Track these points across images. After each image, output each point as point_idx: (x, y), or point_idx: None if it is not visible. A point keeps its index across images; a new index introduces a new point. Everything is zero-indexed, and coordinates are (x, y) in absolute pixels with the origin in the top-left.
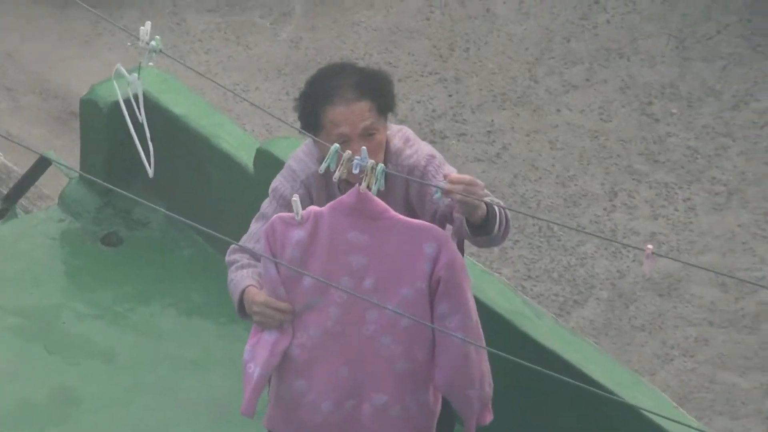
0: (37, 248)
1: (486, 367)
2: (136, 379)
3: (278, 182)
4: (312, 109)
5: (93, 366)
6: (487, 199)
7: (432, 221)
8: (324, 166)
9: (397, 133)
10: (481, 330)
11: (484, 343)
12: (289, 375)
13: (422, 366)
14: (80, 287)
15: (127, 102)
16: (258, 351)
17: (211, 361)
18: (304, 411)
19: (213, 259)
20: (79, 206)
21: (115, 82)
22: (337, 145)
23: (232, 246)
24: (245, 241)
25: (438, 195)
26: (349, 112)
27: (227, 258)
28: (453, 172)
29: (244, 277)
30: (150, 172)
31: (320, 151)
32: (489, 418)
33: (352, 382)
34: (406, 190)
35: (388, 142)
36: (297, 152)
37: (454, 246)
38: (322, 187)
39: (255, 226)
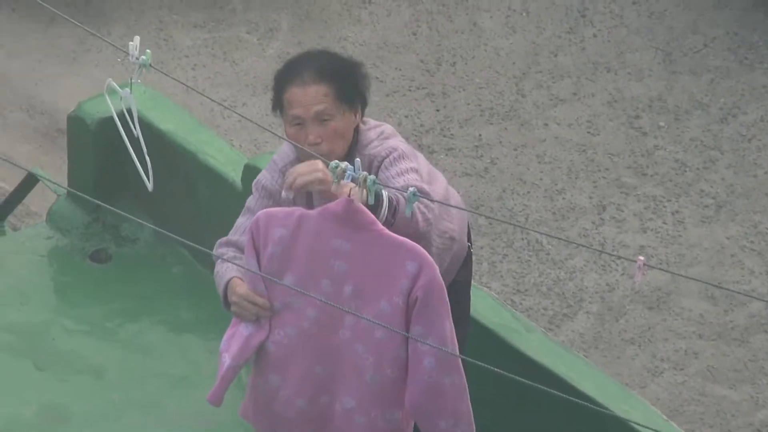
0: (25, 265)
1: (465, 407)
2: (125, 395)
3: (261, 175)
4: (277, 88)
5: (82, 382)
6: (346, 187)
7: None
8: (335, 186)
9: (375, 127)
10: (459, 363)
11: (462, 377)
12: (265, 369)
13: (392, 383)
14: (69, 304)
15: (119, 117)
16: (233, 343)
17: (200, 377)
18: (279, 404)
19: (201, 275)
20: (67, 223)
21: (107, 96)
22: (337, 162)
23: (219, 240)
24: (232, 234)
25: (284, 194)
26: (304, 95)
27: (215, 252)
28: (409, 168)
29: (229, 269)
30: (149, 186)
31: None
32: None
33: (326, 379)
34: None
35: (360, 134)
36: (282, 146)
37: (436, 269)
38: None
39: (240, 220)
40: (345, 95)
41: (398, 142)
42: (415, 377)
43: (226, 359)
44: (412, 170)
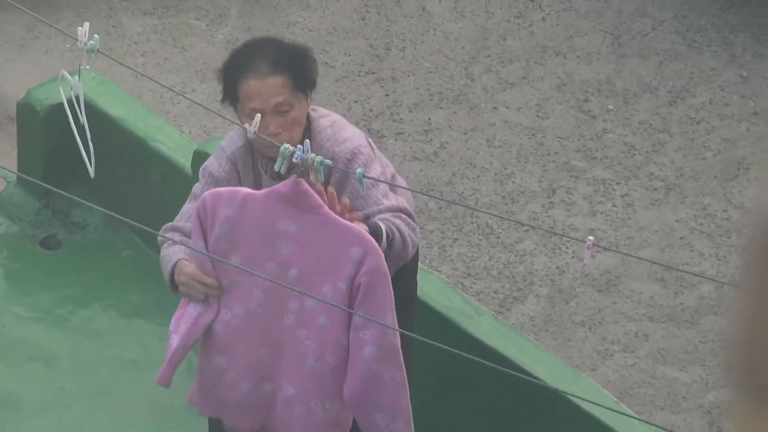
0: None
1: (405, 403)
2: (77, 381)
3: (208, 162)
4: (230, 80)
5: (33, 369)
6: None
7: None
8: (277, 165)
9: (326, 116)
10: (400, 356)
11: (403, 371)
12: (211, 350)
13: (332, 372)
14: (19, 291)
15: (69, 104)
16: (181, 323)
17: (150, 361)
18: (223, 388)
19: (151, 260)
20: (17, 209)
21: (60, 87)
22: (286, 145)
23: (165, 225)
24: (177, 220)
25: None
26: (262, 87)
27: (159, 237)
28: (377, 174)
29: (176, 251)
30: (91, 171)
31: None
32: None
33: (270, 365)
34: (327, 177)
35: (311, 122)
36: (230, 133)
37: (381, 256)
38: (247, 162)
39: (186, 207)
40: (300, 83)
41: (356, 138)
42: (354, 366)
43: (175, 340)
44: (380, 177)
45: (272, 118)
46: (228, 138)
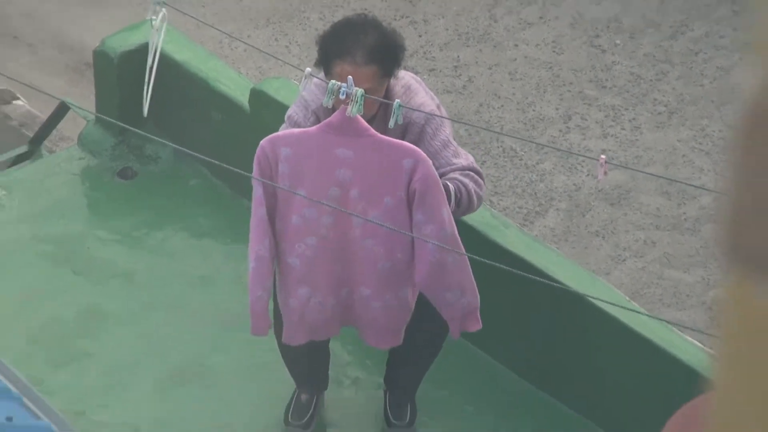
0: (61, 184)
1: (467, 278)
2: (153, 295)
3: (292, 110)
4: (327, 56)
5: (115, 285)
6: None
7: None
8: (326, 100)
9: (400, 79)
10: (459, 242)
11: (462, 253)
12: (293, 285)
13: (402, 265)
14: (101, 216)
15: (146, 50)
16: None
17: (218, 277)
18: (312, 313)
19: (217, 187)
20: (96, 145)
21: (152, 28)
22: (334, 81)
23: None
24: None
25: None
26: (354, 73)
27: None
28: (448, 138)
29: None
30: (145, 110)
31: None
32: (475, 326)
33: (345, 275)
34: (402, 137)
35: (389, 90)
36: (310, 85)
37: (430, 163)
38: (328, 116)
39: None
40: (389, 71)
41: (427, 105)
42: (420, 258)
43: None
44: (450, 139)
45: None
46: (311, 92)
